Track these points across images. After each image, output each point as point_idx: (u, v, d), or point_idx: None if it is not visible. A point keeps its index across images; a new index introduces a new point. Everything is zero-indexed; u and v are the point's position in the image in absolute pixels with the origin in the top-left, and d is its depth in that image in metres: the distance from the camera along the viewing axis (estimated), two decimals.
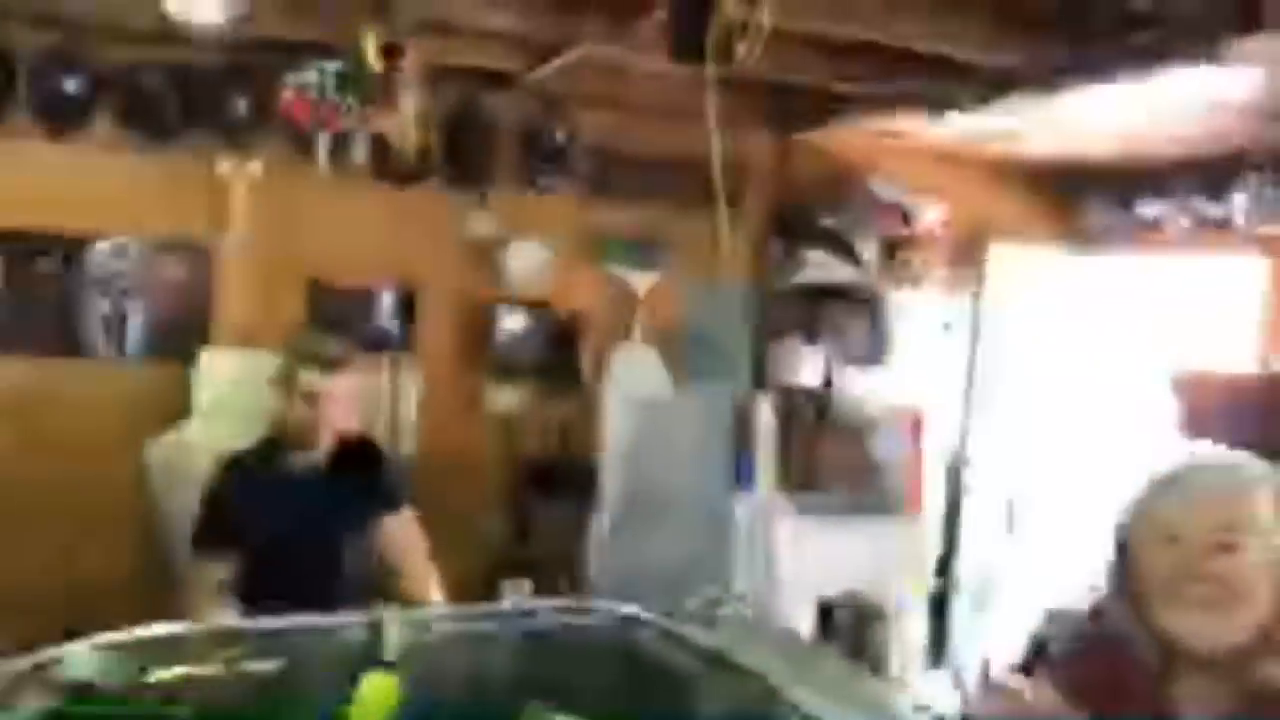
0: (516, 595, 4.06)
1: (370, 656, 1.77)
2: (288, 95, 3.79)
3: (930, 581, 4.80)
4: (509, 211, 4.48)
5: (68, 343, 4.06)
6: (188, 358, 4.03)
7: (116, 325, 4.11)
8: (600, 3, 3.44)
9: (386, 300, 4.36)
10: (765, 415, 4.19)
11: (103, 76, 3.96)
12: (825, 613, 4.21)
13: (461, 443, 4.40)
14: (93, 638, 1.65)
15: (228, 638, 1.83)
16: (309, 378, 3.10)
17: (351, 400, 3.24)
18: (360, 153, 3.88)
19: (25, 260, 4.01)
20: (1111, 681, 1.61)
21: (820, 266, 4.66)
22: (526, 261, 4.40)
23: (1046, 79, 3.54)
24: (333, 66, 3.74)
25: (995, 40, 3.40)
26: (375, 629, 1.82)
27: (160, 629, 1.76)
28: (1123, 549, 1.66)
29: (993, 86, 3.68)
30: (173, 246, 4.17)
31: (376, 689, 1.71)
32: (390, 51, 3.22)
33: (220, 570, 2.98)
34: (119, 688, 1.55)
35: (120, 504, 3.79)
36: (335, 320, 4.21)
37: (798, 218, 4.77)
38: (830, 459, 4.60)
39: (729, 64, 2.51)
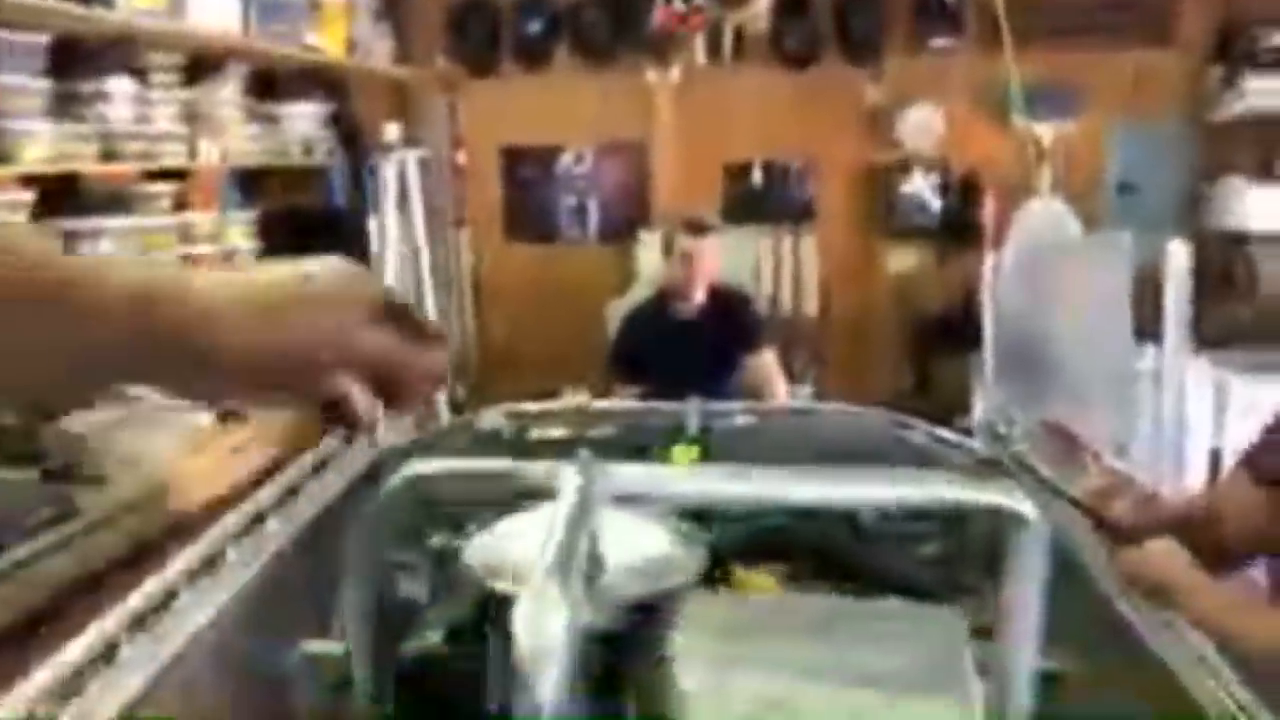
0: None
1: (682, 431, 1.99)
2: (660, 9, 3.79)
3: None
4: (904, 77, 3.89)
5: (549, 231, 4.56)
6: (632, 238, 4.30)
7: (580, 216, 4.51)
8: None
9: (792, 173, 4.19)
10: (1179, 263, 3.32)
11: (557, 16, 4.29)
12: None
13: (861, 303, 4.08)
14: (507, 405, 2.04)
15: (588, 414, 2.12)
16: (684, 241, 3.20)
17: (717, 258, 3.27)
18: (727, 45, 3.76)
19: (516, 170, 4.56)
20: None
21: (1270, 94, 3.50)
22: (921, 124, 3.88)
23: None
24: None
25: None
26: (684, 413, 2.03)
27: (544, 405, 2.13)
28: None
29: None
30: (616, 149, 4.34)
31: (683, 453, 1.95)
32: None
33: (629, 394, 3.25)
34: (512, 437, 1.95)
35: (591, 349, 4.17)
36: (746, 196, 4.16)
37: (1240, 38, 3.61)
38: (1274, 313, 3.51)
39: None
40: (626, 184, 4.33)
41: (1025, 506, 0.52)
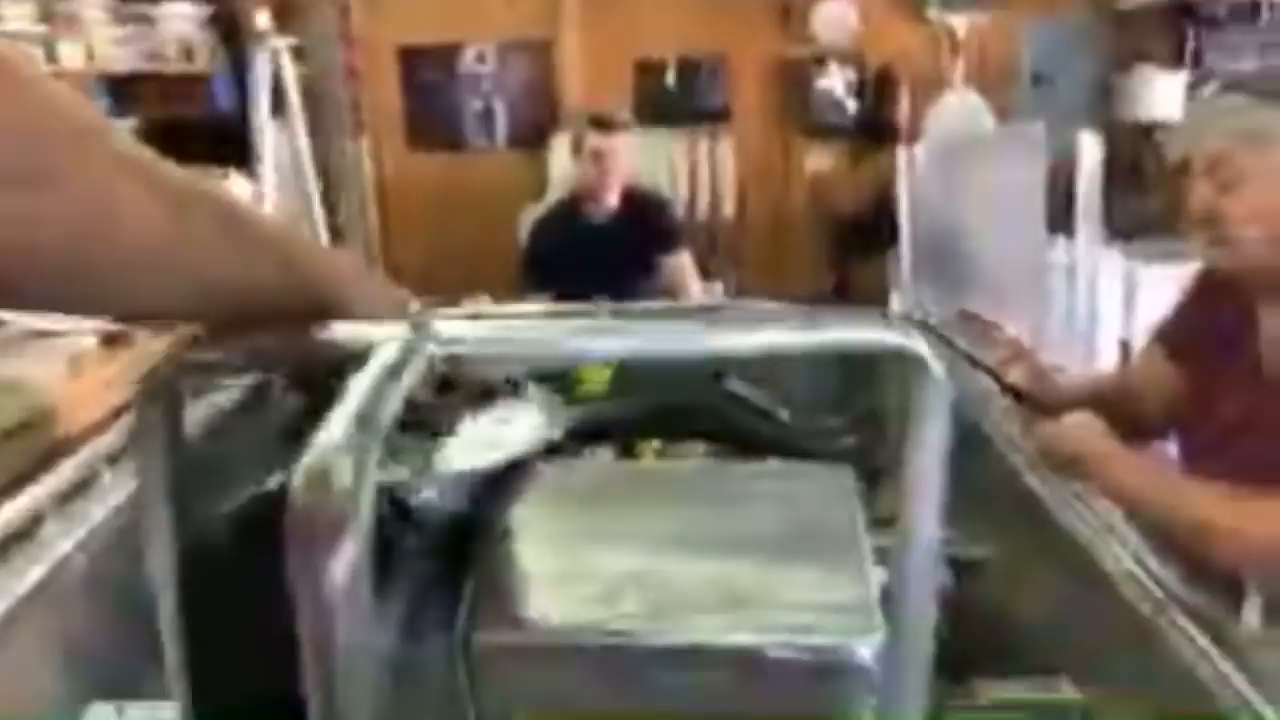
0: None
1: None
2: None
3: None
4: None
5: (455, 138, 4.29)
6: (543, 143, 4.14)
7: (487, 121, 4.31)
8: None
9: (705, 71, 4.07)
10: (1090, 154, 3.33)
11: None
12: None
13: (778, 204, 4.03)
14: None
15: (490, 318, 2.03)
16: (594, 139, 3.08)
17: (630, 158, 3.18)
18: None
19: (416, 72, 4.26)
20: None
21: None
22: (835, 17, 3.79)
23: None
24: None
25: None
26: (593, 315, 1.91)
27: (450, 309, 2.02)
28: None
29: None
30: (521, 47, 4.09)
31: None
32: None
33: (542, 302, 3.15)
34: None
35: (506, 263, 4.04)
36: (659, 97, 4.03)
37: None
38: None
39: None
40: (533, 85, 4.15)
41: (923, 349, 0.45)
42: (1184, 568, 1.00)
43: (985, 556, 1.17)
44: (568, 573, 0.64)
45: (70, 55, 2.93)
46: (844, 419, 1.63)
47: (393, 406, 0.33)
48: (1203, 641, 0.90)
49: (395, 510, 0.56)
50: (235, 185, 2.90)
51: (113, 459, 1.24)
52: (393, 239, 4.29)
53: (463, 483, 0.61)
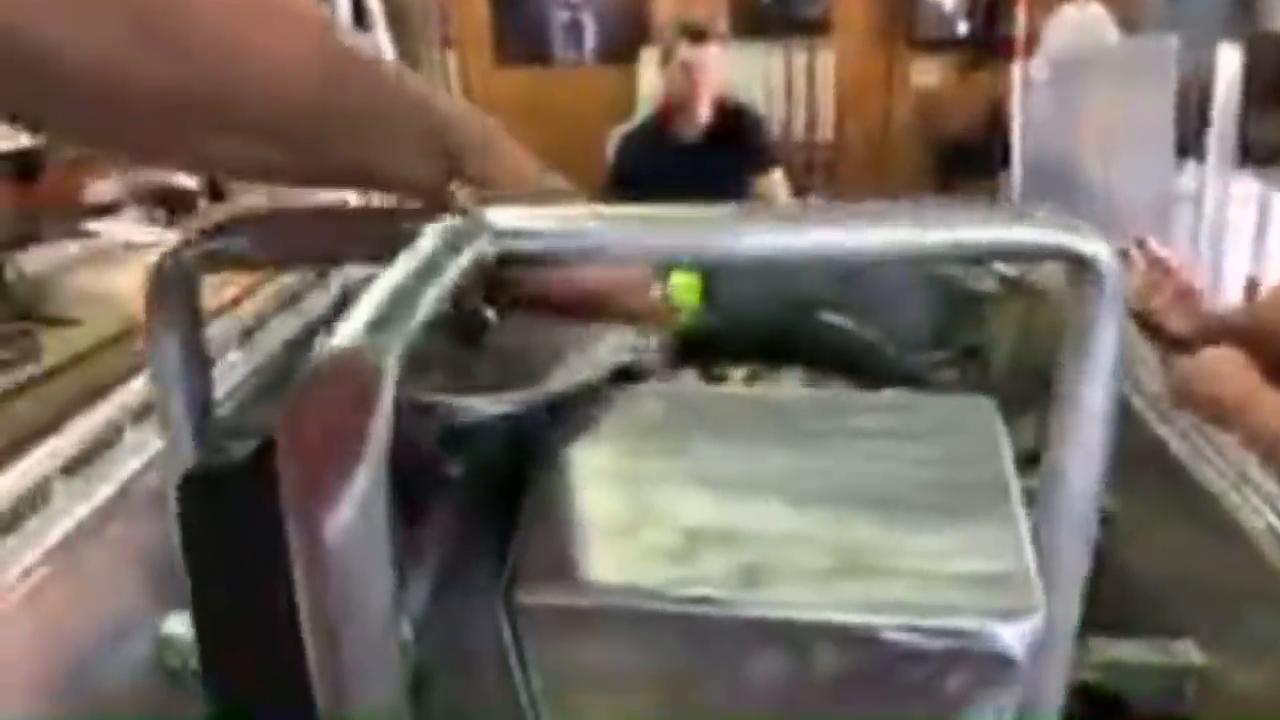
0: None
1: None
2: None
3: None
4: None
5: (542, 51, 4.18)
6: (633, 58, 4.01)
7: (575, 33, 4.18)
8: None
9: None
10: (1228, 69, 3.06)
11: None
12: None
13: (880, 123, 3.83)
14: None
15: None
16: (684, 50, 2.97)
17: (722, 69, 3.05)
18: None
19: None
20: None
21: None
22: None
23: None
24: None
25: None
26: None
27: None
28: None
29: None
30: None
31: (681, 281, 1.71)
32: None
33: None
34: None
35: (593, 182, 3.95)
36: (756, 7, 3.84)
37: None
38: None
39: None
40: None
41: (1102, 250, 0.35)
42: None
43: (1112, 510, 1.07)
44: (637, 521, 0.50)
45: None
46: (948, 353, 1.52)
47: (430, 303, 0.26)
48: None
49: (435, 432, 0.47)
50: None
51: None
52: None
53: (521, 405, 0.50)
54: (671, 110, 3.01)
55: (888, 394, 0.94)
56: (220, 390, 1.05)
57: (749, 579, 0.46)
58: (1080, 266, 0.36)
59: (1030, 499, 0.44)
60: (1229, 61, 2.99)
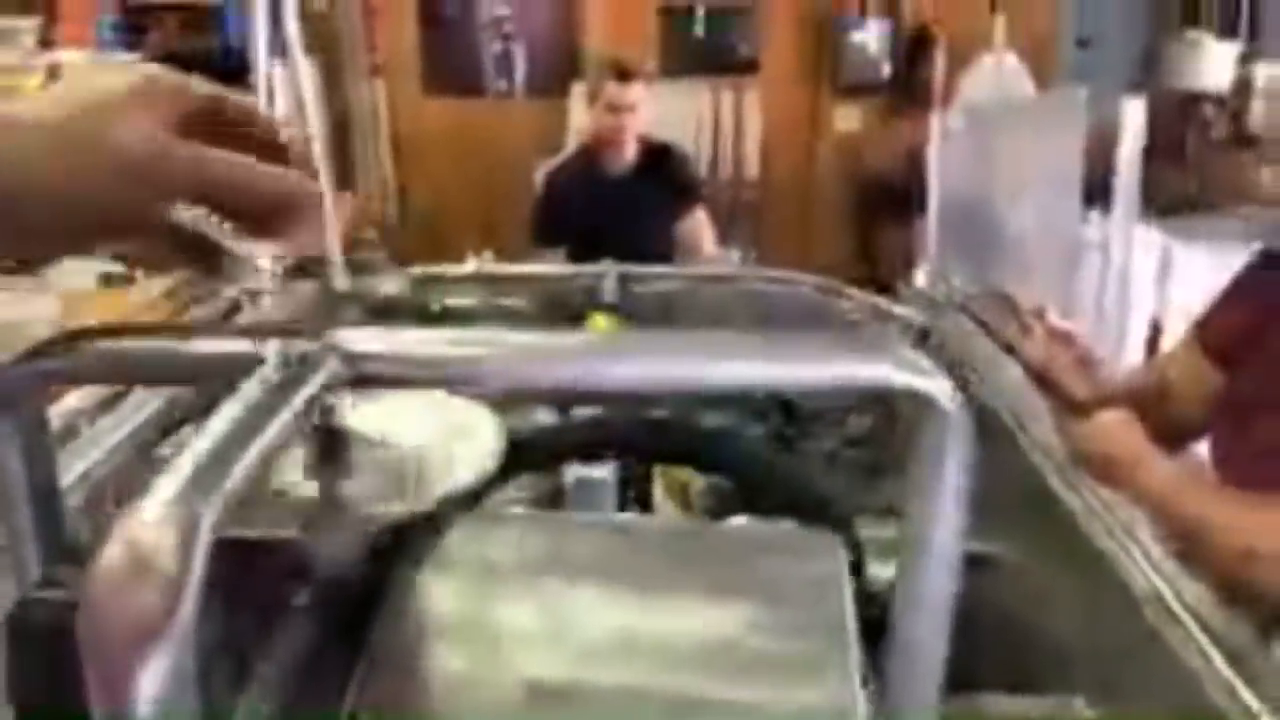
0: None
1: (596, 299, 1.83)
2: None
3: None
4: None
5: (472, 83, 4.16)
6: (563, 92, 4.03)
7: (505, 64, 4.18)
8: None
9: (733, 20, 3.92)
10: (1134, 122, 3.20)
11: None
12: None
13: (804, 164, 3.92)
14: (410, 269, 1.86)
15: (498, 279, 1.95)
16: (611, 89, 2.98)
17: (649, 108, 3.09)
18: None
19: (433, 9, 4.22)
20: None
21: None
22: None
23: None
24: None
25: None
26: (601, 278, 1.87)
27: (451, 268, 1.95)
28: None
29: None
30: None
31: (599, 324, 1.82)
32: None
33: (555, 257, 3.09)
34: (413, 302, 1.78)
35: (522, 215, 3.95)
36: (686, 46, 3.90)
37: None
38: (1224, 180, 3.43)
39: None
40: (554, 30, 4.03)
41: (941, 388, 0.36)
42: (1215, 589, 0.93)
43: (995, 553, 1.10)
44: (478, 672, 0.51)
45: None
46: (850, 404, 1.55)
47: (266, 445, 0.26)
48: (1229, 672, 0.84)
49: (282, 568, 0.47)
50: None
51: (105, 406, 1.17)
52: (407, 185, 4.21)
53: (371, 535, 0.50)
54: (598, 146, 3.03)
55: (736, 526, 0.94)
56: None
57: None
58: (925, 406, 0.37)
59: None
60: (1134, 115, 3.13)
